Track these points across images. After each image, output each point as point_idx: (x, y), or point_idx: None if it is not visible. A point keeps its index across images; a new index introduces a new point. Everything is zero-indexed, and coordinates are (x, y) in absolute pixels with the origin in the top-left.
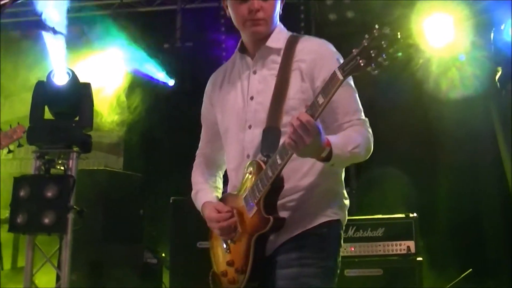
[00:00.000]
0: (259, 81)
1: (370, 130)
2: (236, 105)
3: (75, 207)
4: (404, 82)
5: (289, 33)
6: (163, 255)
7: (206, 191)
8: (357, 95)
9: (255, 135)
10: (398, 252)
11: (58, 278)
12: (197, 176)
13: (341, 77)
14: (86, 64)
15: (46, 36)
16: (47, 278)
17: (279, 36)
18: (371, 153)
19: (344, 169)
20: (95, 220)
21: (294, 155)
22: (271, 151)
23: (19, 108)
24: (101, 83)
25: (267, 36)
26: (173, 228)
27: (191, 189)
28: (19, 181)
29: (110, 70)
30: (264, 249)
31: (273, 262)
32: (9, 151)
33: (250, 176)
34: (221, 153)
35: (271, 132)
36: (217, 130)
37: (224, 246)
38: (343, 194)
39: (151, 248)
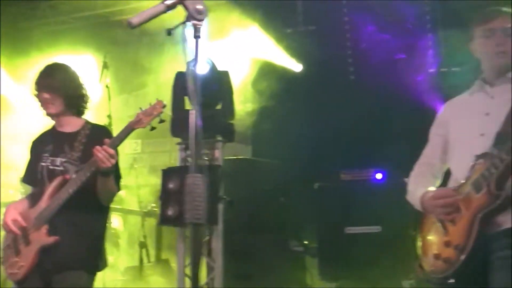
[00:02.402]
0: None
1: None
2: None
3: (224, 197)
4: None
5: None
6: (306, 242)
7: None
8: None
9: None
10: None
11: (208, 269)
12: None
13: None
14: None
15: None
16: None
17: None
18: None
19: None
20: (240, 209)
21: None
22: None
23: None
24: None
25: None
26: (319, 215)
27: (330, 176)
28: (167, 174)
29: (236, 58)
30: (487, 229)
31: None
32: (152, 128)
33: (479, 167)
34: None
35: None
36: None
37: (442, 229)
38: None
39: (296, 236)
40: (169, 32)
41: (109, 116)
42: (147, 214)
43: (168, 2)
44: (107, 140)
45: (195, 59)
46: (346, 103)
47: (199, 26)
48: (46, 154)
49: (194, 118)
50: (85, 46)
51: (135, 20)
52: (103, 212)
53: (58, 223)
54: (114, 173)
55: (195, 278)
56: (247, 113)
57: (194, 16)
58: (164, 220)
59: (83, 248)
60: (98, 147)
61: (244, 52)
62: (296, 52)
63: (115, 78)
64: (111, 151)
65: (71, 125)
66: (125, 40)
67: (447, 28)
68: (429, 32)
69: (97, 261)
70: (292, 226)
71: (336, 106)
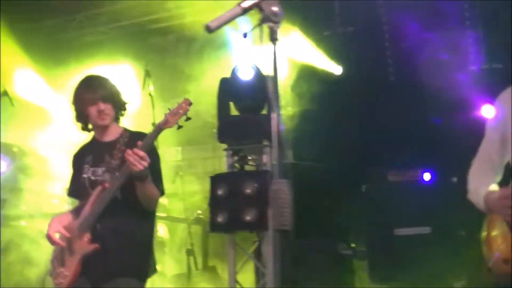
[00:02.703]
0: None
1: None
2: None
3: None
4: None
5: None
6: (353, 245)
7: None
8: None
9: None
10: None
11: (258, 275)
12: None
13: None
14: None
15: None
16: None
17: None
18: None
19: None
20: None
21: None
22: None
23: None
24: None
25: None
26: (367, 217)
27: (377, 177)
28: (215, 180)
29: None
30: None
31: None
32: (179, 127)
33: None
34: None
35: None
36: None
37: (510, 231)
38: None
39: (343, 239)
40: (245, 35)
41: (153, 124)
42: (193, 222)
43: (244, 5)
44: (139, 143)
45: (274, 62)
46: (388, 104)
47: (275, 28)
48: (87, 166)
49: (276, 122)
50: (123, 55)
51: (213, 24)
52: (148, 218)
53: (104, 231)
54: (153, 176)
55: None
56: (288, 117)
57: (270, 18)
58: (214, 227)
59: (131, 255)
60: (128, 151)
61: (283, 56)
62: (335, 54)
63: (157, 86)
64: (141, 153)
65: (111, 134)
66: (164, 47)
67: (487, 25)
68: (469, 29)
69: (146, 267)
70: (339, 229)
71: (378, 107)
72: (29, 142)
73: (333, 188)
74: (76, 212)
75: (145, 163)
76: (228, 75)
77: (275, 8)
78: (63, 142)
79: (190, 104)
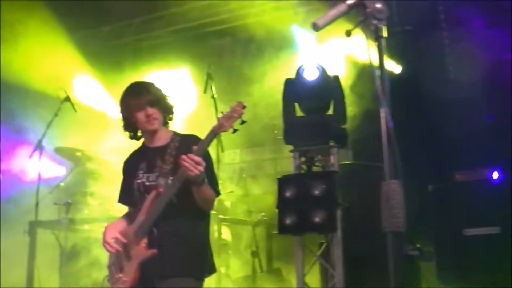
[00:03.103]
0: None
1: None
2: None
3: (342, 203)
4: None
5: None
6: (418, 246)
7: None
8: None
9: None
10: None
11: (325, 276)
12: None
13: None
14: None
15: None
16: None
17: None
18: None
19: None
20: (350, 215)
21: None
22: None
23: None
24: None
25: None
26: (434, 217)
27: (444, 177)
28: (283, 182)
29: (335, 61)
30: None
31: None
32: (234, 131)
33: None
34: None
35: None
36: None
37: None
38: None
39: (409, 240)
40: (349, 33)
41: None
42: (257, 224)
43: (350, 2)
44: (194, 148)
45: (380, 59)
46: (450, 102)
47: (380, 25)
48: (141, 172)
49: (385, 119)
50: (180, 59)
51: (320, 21)
52: (203, 219)
53: (161, 235)
54: (208, 178)
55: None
56: (349, 117)
57: (375, 16)
58: (282, 229)
59: (188, 256)
60: (183, 156)
61: (342, 56)
62: (394, 53)
63: (218, 89)
64: (197, 158)
65: (161, 138)
66: (221, 50)
67: None
68: None
69: (202, 267)
70: (405, 229)
71: (439, 106)
72: (91, 146)
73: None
74: (129, 217)
75: (201, 168)
76: (288, 75)
77: (379, 5)
78: (125, 147)
79: (244, 107)
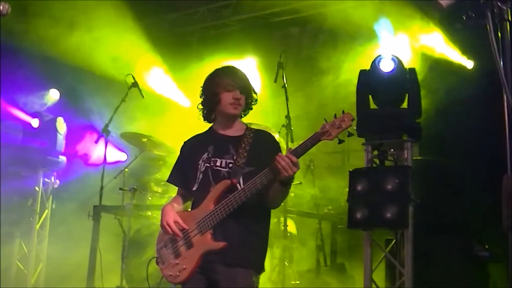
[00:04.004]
0: None
1: None
2: None
3: (414, 199)
4: None
5: None
6: (486, 246)
7: None
8: None
9: None
10: None
11: (391, 274)
12: None
13: None
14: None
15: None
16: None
17: None
18: None
19: None
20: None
21: None
22: None
23: (302, 105)
24: None
25: None
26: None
27: None
28: (354, 175)
29: (406, 54)
30: None
31: None
32: (340, 141)
33: None
34: None
35: None
36: None
37: None
38: None
39: (478, 240)
40: (467, 17)
41: (287, 117)
42: (323, 217)
43: None
44: (289, 149)
45: (503, 44)
46: None
47: (505, 7)
48: (208, 155)
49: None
50: (245, 48)
51: (444, 2)
52: (267, 213)
53: (227, 227)
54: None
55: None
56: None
57: None
58: (352, 223)
59: (251, 249)
60: (281, 155)
61: (413, 50)
62: (466, 48)
63: (287, 78)
64: (295, 159)
65: (235, 128)
66: (287, 40)
67: None
68: None
69: (262, 261)
70: (473, 229)
71: None
72: (157, 133)
73: (467, 186)
74: (184, 198)
75: (296, 169)
76: (360, 67)
77: None
78: (189, 134)
79: (353, 119)
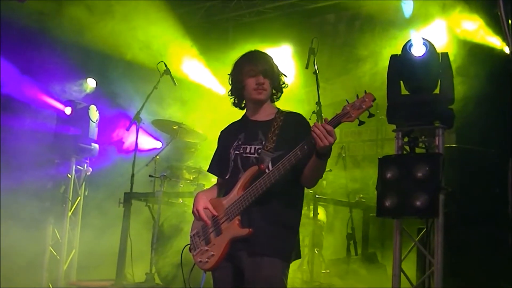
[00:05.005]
0: None
1: None
2: None
3: (446, 187)
4: None
5: None
6: None
7: None
8: None
9: None
10: None
11: (422, 264)
12: None
13: None
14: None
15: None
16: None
17: None
18: None
19: None
20: (453, 200)
21: None
22: None
23: (338, 92)
24: None
25: None
26: None
27: None
28: (384, 163)
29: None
30: None
31: None
32: (361, 123)
33: None
34: None
35: None
36: None
37: None
38: None
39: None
40: None
41: (317, 103)
42: (354, 205)
43: None
44: (326, 119)
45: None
46: None
47: None
48: (239, 143)
49: None
50: (281, 35)
51: None
52: (298, 199)
53: (254, 213)
54: None
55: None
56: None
57: None
58: (381, 211)
59: (279, 237)
60: (316, 123)
61: (452, 35)
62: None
63: (319, 65)
64: (329, 127)
65: (265, 113)
66: (323, 27)
67: None
68: None
69: (291, 250)
70: (507, 219)
71: None
72: (189, 120)
73: (505, 176)
74: (220, 188)
75: (332, 139)
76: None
77: None
78: (222, 121)
79: (374, 99)
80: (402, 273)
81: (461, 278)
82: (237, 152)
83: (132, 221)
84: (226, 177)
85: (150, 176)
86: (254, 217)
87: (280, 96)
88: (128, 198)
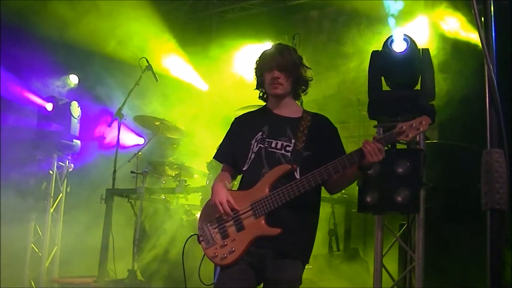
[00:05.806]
0: None
1: None
2: None
3: (427, 183)
4: None
5: None
6: None
7: None
8: None
9: None
10: None
11: (402, 259)
12: None
13: None
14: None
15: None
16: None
17: None
18: None
19: None
20: (436, 196)
21: None
22: None
23: (322, 88)
24: None
25: None
26: None
27: None
28: None
29: (423, 37)
30: None
31: None
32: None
33: None
34: None
35: None
36: None
37: None
38: None
39: None
40: None
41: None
42: (336, 201)
43: None
44: (375, 136)
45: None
46: None
47: None
48: (263, 136)
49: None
50: (263, 32)
51: None
52: (319, 203)
53: (279, 210)
54: None
55: (495, 274)
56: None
57: None
58: (363, 207)
59: (302, 239)
60: (368, 141)
61: (435, 32)
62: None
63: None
64: (380, 145)
65: (290, 109)
66: (307, 23)
67: None
68: None
69: (310, 253)
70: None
71: None
72: (171, 116)
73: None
74: (232, 177)
75: (381, 157)
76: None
77: None
78: (204, 117)
79: (431, 123)
80: (383, 269)
81: (443, 274)
82: (261, 145)
83: (114, 218)
84: (244, 168)
85: (132, 172)
86: (281, 218)
87: (304, 90)
88: (110, 194)
